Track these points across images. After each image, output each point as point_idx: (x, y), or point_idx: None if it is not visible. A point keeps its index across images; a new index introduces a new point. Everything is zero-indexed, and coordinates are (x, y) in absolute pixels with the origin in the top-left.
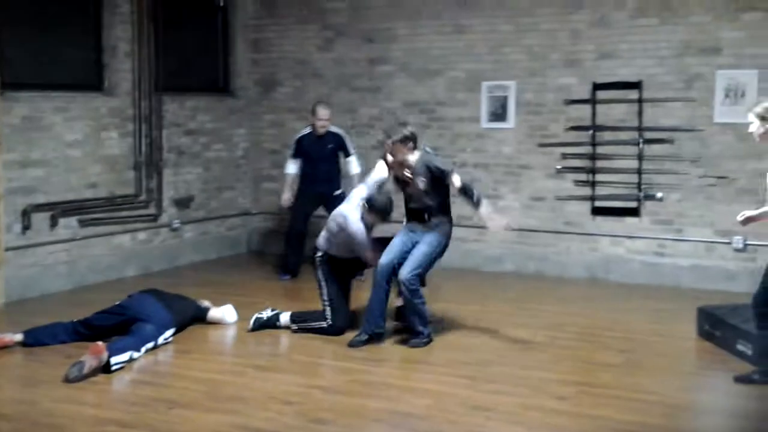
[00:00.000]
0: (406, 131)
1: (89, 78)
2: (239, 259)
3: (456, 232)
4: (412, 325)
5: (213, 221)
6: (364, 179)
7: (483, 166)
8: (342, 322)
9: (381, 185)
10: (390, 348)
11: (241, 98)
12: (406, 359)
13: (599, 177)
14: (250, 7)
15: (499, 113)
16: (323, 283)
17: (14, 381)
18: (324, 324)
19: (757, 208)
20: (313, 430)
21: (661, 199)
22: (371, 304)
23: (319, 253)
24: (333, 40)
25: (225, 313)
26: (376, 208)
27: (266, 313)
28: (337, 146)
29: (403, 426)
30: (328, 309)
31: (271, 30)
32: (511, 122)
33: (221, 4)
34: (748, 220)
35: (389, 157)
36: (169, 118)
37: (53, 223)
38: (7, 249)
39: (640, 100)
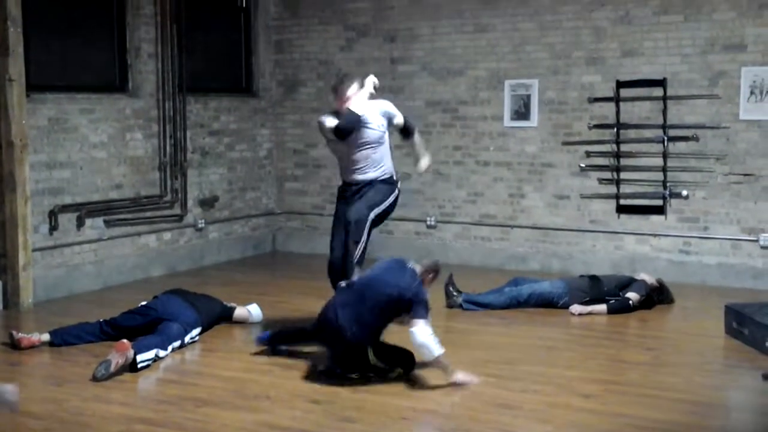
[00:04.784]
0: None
1: (114, 79)
2: (263, 258)
3: (479, 230)
4: None
5: (237, 221)
6: None
7: (506, 164)
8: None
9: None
10: None
11: (264, 99)
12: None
13: (624, 175)
14: (273, 7)
15: (522, 112)
16: None
17: (42, 380)
18: None
19: None
20: (340, 428)
21: (686, 197)
22: None
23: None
24: (355, 40)
25: (251, 311)
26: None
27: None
28: None
29: (429, 424)
30: None
31: (293, 31)
32: (534, 121)
33: (243, 5)
34: None
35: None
36: (193, 119)
37: (80, 224)
38: (35, 250)
39: (664, 98)
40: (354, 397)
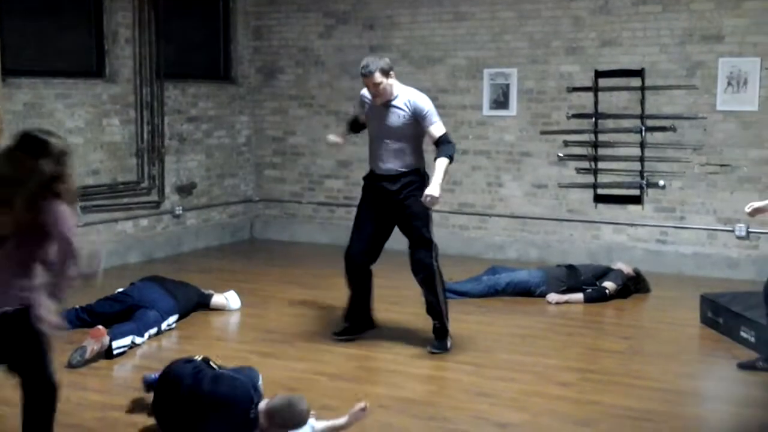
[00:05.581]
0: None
1: (90, 65)
2: (242, 245)
3: (457, 219)
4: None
5: (215, 208)
6: None
7: (485, 153)
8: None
9: None
10: (394, 335)
11: (242, 85)
12: (409, 346)
13: (602, 165)
14: None
15: (500, 101)
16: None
17: None
18: None
19: (761, 198)
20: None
21: (663, 187)
22: None
23: None
24: (334, 27)
25: (228, 299)
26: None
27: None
28: None
29: (406, 412)
30: None
31: (272, 17)
32: (513, 110)
33: None
34: (756, 211)
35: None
36: (170, 105)
37: None
38: None
39: (642, 88)
40: (331, 385)
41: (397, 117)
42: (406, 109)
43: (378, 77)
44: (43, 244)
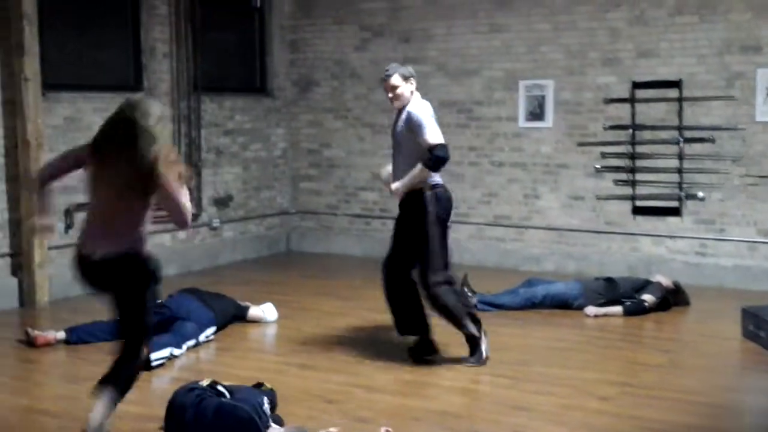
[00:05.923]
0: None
1: (128, 79)
2: (278, 258)
3: (494, 231)
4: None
5: (252, 221)
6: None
7: (521, 165)
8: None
9: None
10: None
11: (278, 98)
12: (445, 359)
13: (639, 176)
14: (287, 7)
15: (536, 112)
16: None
17: (57, 378)
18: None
19: None
20: (353, 428)
21: (702, 199)
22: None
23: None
24: (369, 40)
25: (265, 311)
26: None
27: None
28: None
29: (441, 425)
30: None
31: (307, 30)
32: (549, 121)
33: (258, 5)
34: None
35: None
36: (207, 119)
37: None
38: (51, 248)
39: (680, 99)
40: (367, 397)
41: (400, 127)
42: (406, 120)
43: (396, 80)
44: (153, 198)
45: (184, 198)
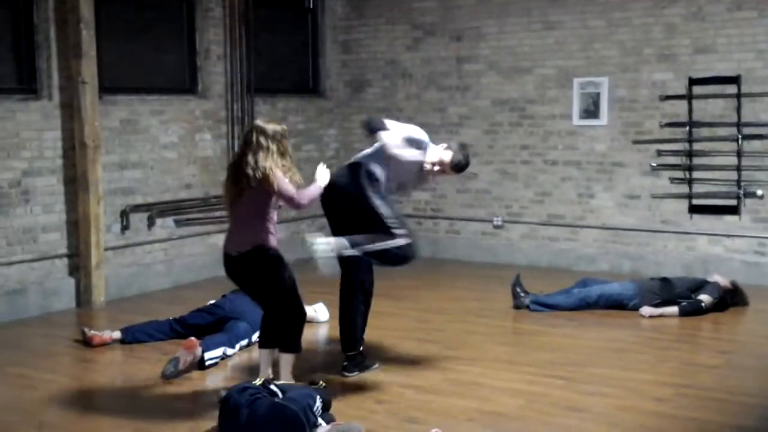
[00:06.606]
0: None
1: (183, 81)
2: None
3: (547, 231)
4: None
5: (304, 221)
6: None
7: (575, 163)
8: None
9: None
10: (482, 347)
11: (330, 99)
12: (498, 359)
13: (696, 174)
14: (339, 8)
15: (591, 110)
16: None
17: (113, 377)
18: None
19: None
20: (404, 429)
21: (761, 197)
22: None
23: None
24: (422, 39)
25: (317, 311)
26: None
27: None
28: None
29: (494, 426)
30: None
31: (360, 31)
32: (603, 119)
33: (310, 6)
34: None
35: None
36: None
37: (150, 223)
38: (107, 249)
39: (738, 95)
40: (419, 398)
41: None
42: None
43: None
44: (271, 196)
45: (291, 190)
